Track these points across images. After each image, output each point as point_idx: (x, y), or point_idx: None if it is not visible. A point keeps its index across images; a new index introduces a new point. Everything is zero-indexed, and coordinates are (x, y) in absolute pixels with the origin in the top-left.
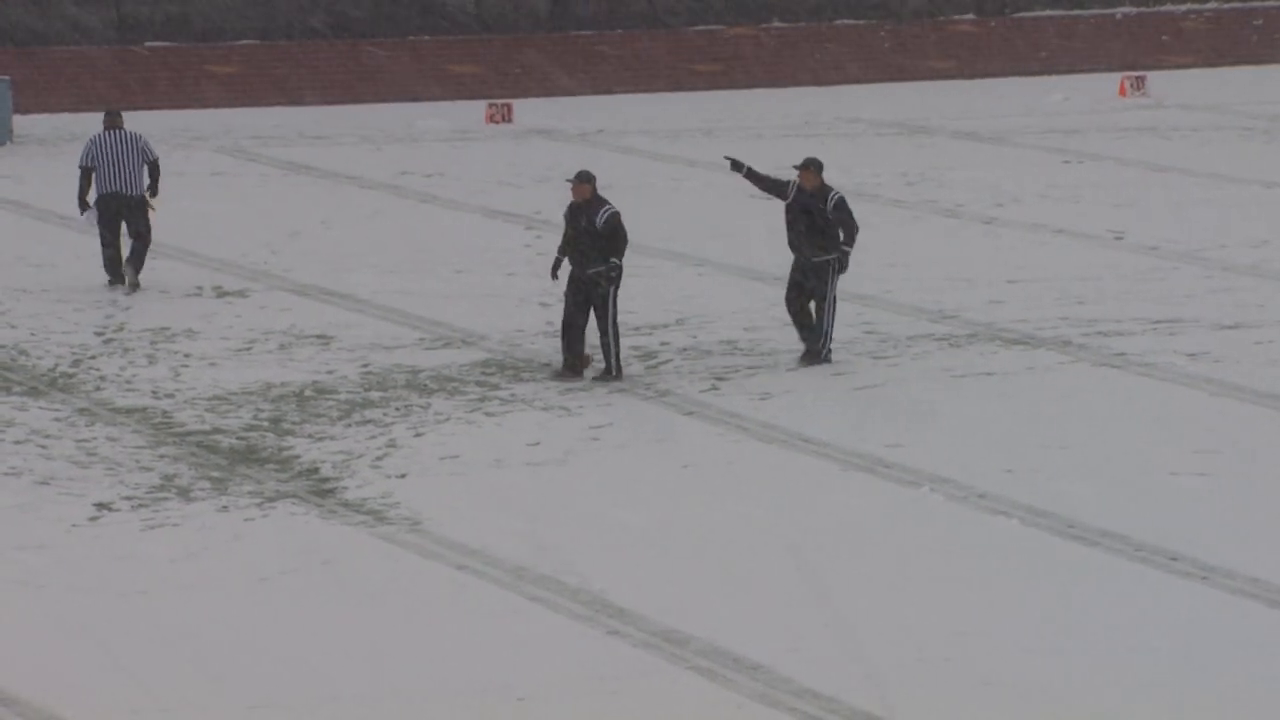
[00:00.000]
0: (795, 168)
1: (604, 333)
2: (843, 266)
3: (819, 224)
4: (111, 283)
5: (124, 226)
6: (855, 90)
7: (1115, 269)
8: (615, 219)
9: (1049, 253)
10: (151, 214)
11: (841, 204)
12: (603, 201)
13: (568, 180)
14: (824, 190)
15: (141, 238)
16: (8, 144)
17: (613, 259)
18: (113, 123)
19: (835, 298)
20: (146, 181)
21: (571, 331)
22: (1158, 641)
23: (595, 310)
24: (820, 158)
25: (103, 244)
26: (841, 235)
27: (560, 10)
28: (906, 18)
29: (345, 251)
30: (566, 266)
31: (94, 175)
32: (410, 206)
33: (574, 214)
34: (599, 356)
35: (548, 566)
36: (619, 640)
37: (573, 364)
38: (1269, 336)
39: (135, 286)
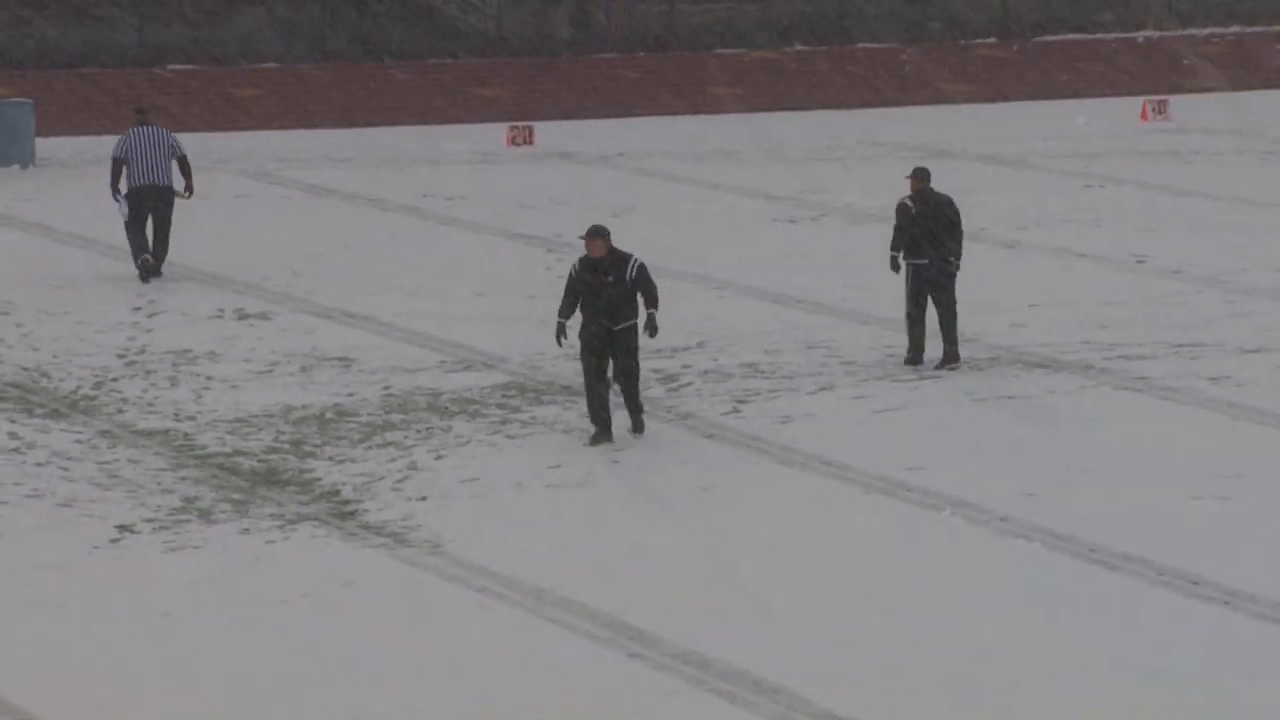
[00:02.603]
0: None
1: (636, 384)
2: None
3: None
4: (142, 276)
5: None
6: (877, 113)
7: (1137, 293)
8: (646, 268)
9: (1071, 276)
10: (179, 198)
11: (897, 209)
12: (623, 253)
13: (582, 238)
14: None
15: (164, 230)
16: (30, 167)
17: (651, 309)
18: (144, 119)
19: (906, 301)
20: (179, 179)
21: (599, 393)
22: (1180, 666)
23: (620, 362)
24: (928, 167)
25: (130, 234)
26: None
27: (582, 33)
28: (929, 41)
29: (367, 274)
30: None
31: (126, 168)
32: (432, 229)
33: (593, 271)
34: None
35: (568, 589)
36: (639, 663)
37: (607, 427)
38: None
39: (158, 274)
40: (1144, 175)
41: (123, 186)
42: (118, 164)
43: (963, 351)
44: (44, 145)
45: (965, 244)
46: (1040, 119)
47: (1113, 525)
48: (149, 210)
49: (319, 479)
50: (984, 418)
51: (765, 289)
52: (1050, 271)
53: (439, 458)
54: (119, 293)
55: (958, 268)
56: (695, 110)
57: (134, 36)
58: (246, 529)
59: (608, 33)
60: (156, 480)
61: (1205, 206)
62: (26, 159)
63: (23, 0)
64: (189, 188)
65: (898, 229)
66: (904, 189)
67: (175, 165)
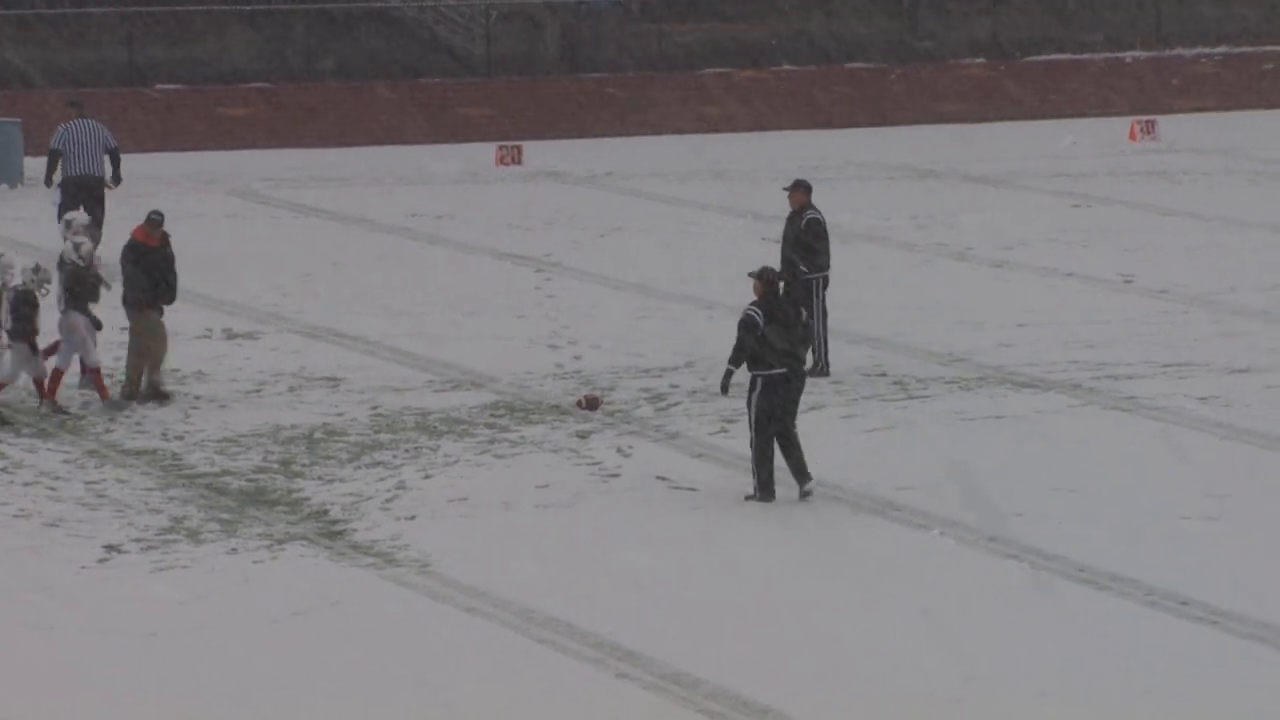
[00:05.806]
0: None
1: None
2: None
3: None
4: None
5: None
6: (865, 133)
7: (1125, 313)
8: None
9: (1059, 296)
10: (107, 190)
11: (809, 225)
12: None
13: (752, 274)
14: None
15: (96, 216)
16: (19, 186)
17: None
18: (79, 112)
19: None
20: (108, 168)
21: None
22: (1168, 686)
23: (789, 415)
24: (808, 180)
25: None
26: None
27: (570, 53)
28: (917, 60)
29: (355, 294)
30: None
31: (61, 160)
32: (420, 248)
33: (775, 308)
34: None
35: (557, 608)
36: (628, 683)
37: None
38: (1279, 381)
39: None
40: (1132, 195)
41: (57, 176)
42: (54, 155)
43: (950, 372)
44: (33, 164)
45: (951, 263)
46: (1028, 139)
47: (1101, 545)
48: (81, 200)
49: (307, 498)
50: (973, 437)
51: None
52: (1038, 291)
53: (427, 477)
54: (106, 313)
55: None
56: (683, 130)
57: (123, 56)
58: (235, 549)
59: (596, 53)
60: (144, 500)
61: (1193, 226)
62: (15, 178)
63: (11, 19)
64: (116, 177)
65: (822, 242)
66: (892, 207)
67: (107, 157)
